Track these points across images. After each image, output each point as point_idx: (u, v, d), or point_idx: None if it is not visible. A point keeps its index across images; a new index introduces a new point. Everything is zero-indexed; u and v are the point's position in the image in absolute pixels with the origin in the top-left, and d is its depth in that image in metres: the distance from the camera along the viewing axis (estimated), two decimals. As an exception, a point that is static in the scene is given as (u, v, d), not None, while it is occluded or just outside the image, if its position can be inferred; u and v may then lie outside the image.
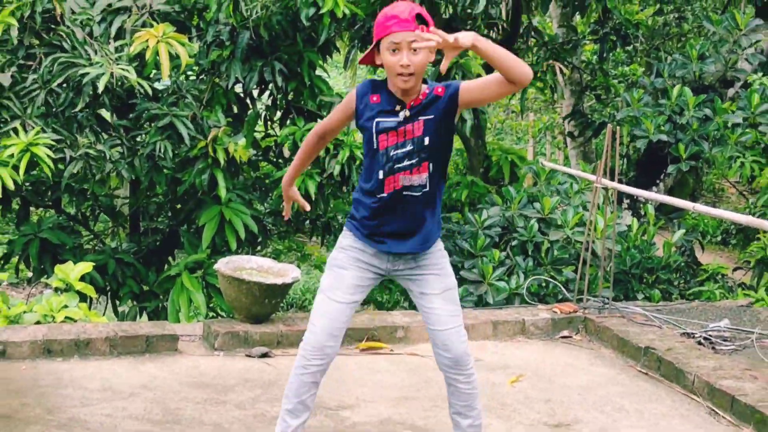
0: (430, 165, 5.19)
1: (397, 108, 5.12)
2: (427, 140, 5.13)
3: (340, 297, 5.34)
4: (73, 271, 8.94)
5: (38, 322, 8.10)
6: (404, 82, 5.02)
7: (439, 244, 5.45)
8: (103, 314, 12.68)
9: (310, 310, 9.93)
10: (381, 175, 5.18)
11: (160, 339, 7.80)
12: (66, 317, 8.24)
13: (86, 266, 9.17)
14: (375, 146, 5.16)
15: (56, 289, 8.87)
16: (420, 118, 5.12)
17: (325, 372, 5.44)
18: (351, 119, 5.32)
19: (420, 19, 4.97)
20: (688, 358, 7.81)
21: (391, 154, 5.15)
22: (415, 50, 4.95)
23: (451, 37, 4.83)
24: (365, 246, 5.33)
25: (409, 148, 5.13)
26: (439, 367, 5.52)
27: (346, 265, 5.35)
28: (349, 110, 5.27)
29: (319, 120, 12.36)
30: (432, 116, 5.12)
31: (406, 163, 5.15)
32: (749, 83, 14.77)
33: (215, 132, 11.29)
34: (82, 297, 9.38)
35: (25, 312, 8.36)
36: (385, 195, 5.20)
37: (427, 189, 5.22)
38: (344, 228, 5.44)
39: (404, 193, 5.20)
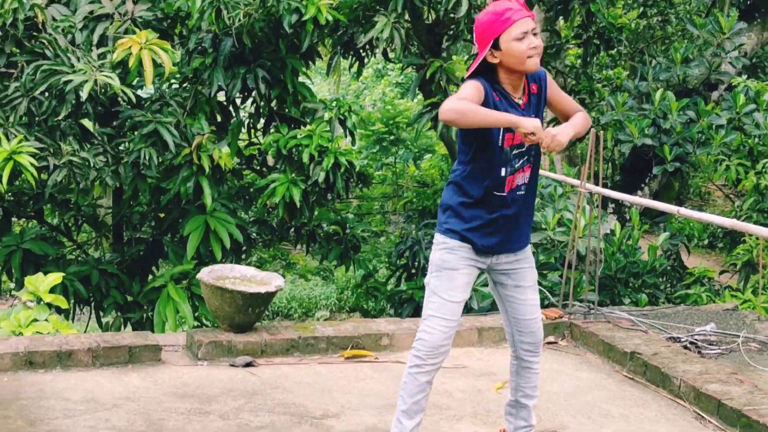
0: (534, 163, 5.53)
1: (519, 103, 5.41)
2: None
3: (455, 297, 5.55)
4: (43, 282, 8.86)
5: (19, 335, 8.04)
6: (536, 64, 5.34)
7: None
8: (87, 326, 12.67)
9: (294, 319, 9.90)
10: (503, 173, 5.40)
11: (143, 349, 7.76)
12: (36, 332, 8.17)
13: (56, 277, 9.08)
14: (500, 144, 5.34)
15: (25, 303, 8.79)
16: (532, 114, 5.41)
17: (438, 370, 5.69)
18: None
19: (529, 4, 5.32)
20: (674, 363, 7.81)
21: (514, 152, 5.40)
22: (535, 34, 5.30)
23: (550, 139, 5.20)
24: (476, 247, 5.55)
25: (525, 147, 5.41)
26: (517, 353, 5.89)
27: (458, 266, 5.55)
28: (481, 97, 5.30)
29: (303, 126, 12.34)
30: (536, 114, 5.48)
31: (522, 161, 5.45)
32: (733, 86, 14.79)
33: (199, 139, 11.26)
34: (60, 309, 9.31)
35: (-7, 328, 8.30)
36: (505, 194, 5.44)
37: (531, 186, 5.55)
38: (443, 235, 5.58)
39: (518, 192, 5.49)
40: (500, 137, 5.32)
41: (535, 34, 5.28)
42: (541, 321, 5.82)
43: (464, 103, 5.14)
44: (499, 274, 5.68)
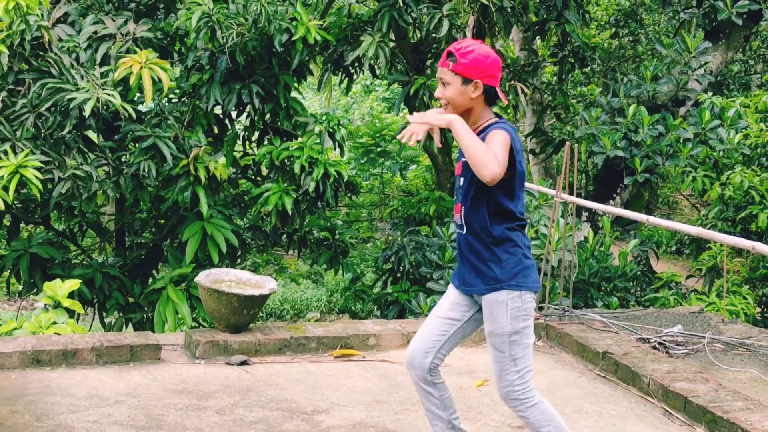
0: (466, 205, 5.21)
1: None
2: (462, 181, 5.24)
3: (432, 313, 5.51)
4: (61, 288, 8.89)
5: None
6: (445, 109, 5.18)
7: None
8: (91, 325, 12.66)
9: (286, 320, 9.89)
10: (455, 207, 5.32)
11: (144, 348, 7.77)
12: (54, 333, 8.19)
13: (74, 283, 9.10)
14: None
15: (45, 306, 8.82)
16: (460, 158, 5.27)
17: (434, 385, 5.48)
18: None
19: (449, 56, 5.13)
20: (643, 362, 7.83)
21: (457, 185, 5.32)
22: (444, 84, 5.13)
23: (426, 123, 5.00)
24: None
25: (461, 183, 5.25)
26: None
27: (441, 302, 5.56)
28: None
29: (294, 139, 12.35)
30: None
31: (457, 197, 5.34)
32: (700, 102, 14.85)
33: (196, 151, 11.26)
34: (71, 313, 9.32)
35: (15, 329, 8.32)
36: (456, 227, 5.37)
37: (471, 229, 5.22)
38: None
39: (458, 229, 5.34)
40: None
41: (444, 85, 5.14)
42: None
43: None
44: (477, 316, 5.45)
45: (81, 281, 9.88)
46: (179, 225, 12.00)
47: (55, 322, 8.39)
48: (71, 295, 9.03)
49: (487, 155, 4.79)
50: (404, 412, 6.92)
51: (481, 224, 5.13)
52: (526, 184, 12.41)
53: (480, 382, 7.61)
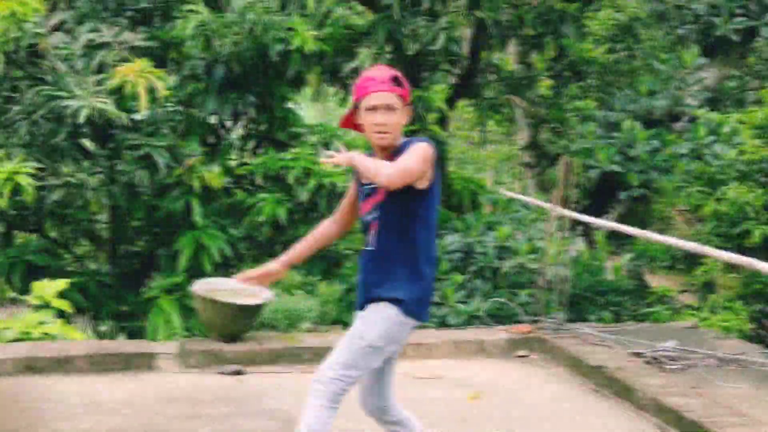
0: (379, 225, 5.09)
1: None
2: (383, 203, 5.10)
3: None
4: (49, 288, 8.89)
5: (18, 339, 8.06)
6: (380, 139, 4.99)
7: None
8: (84, 333, 12.63)
9: (281, 330, 9.86)
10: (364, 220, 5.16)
11: (138, 357, 7.78)
12: (44, 333, 8.20)
13: (61, 283, 9.11)
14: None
15: (34, 307, 8.83)
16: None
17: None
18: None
19: (395, 81, 4.98)
20: (637, 377, 7.85)
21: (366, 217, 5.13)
22: (389, 110, 4.93)
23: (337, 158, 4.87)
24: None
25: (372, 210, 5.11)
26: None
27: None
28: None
29: (289, 149, 12.37)
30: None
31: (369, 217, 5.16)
32: (695, 117, 14.89)
33: (191, 161, 11.28)
34: (62, 314, 9.33)
35: (3, 329, 8.32)
36: (366, 249, 5.16)
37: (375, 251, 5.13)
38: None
39: (366, 247, 5.18)
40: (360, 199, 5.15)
41: (389, 110, 4.94)
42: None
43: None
44: None
45: (69, 281, 9.86)
46: (173, 234, 12.01)
47: (42, 322, 8.39)
48: (65, 298, 9.03)
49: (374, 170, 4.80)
50: (398, 423, 6.93)
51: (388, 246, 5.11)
52: (523, 197, 12.45)
53: (473, 394, 7.62)
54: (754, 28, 15.73)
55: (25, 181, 10.11)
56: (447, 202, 15.69)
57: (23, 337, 8.16)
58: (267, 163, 11.92)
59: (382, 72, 5.03)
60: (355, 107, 5.04)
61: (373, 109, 4.94)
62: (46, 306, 8.81)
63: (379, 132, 4.97)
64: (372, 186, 5.05)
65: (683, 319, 11.78)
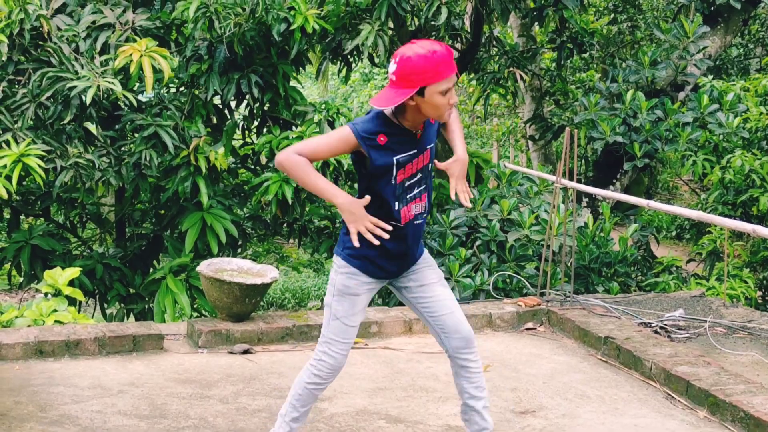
0: (428, 189, 5.29)
1: (414, 134, 5.12)
2: (431, 167, 5.23)
3: (355, 321, 5.37)
4: (61, 276, 8.90)
5: (29, 326, 8.06)
6: (449, 116, 5.15)
7: None
8: (92, 316, 12.69)
9: (288, 309, 9.96)
10: (397, 207, 5.15)
11: (147, 338, 7.78)
12: (56, 321, 8.21)
13: (74, 272, 9.12)
14: (393, 181, 5.10)
15: (46, 294, 8.84)
16: (426, 145, 5.18)
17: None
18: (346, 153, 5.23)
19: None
20: (645, 347, 7.85)
21: (407, 185, 5.15)
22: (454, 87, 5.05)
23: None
24: (376, 273, 5.33)
25: (419, 176, 5.19)
26: (450, 353, 5.50)
27: (359, 291, 5.32)
28: (348, 148, 5.11)
29: (294, 128, 12.34)
30: (429, 141, 5.20)
31: (418, 190, 5.21)
32: (699, 86, 14.84)
33: (196, 141, 11.26)
34: (72, 301, 9.34)
35: (16, 317, 8.33)
36: (402, 225, 5.18)
37: (427, 209, 5.33)
38: (342, 259, 5.30)
39: (415, 221, 5.24)
40: (393, 173, 5.09)
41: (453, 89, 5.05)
42: (463, 315, 5.48)
43: (301, 160, 4.99)
44: (400, 281, 5.44)
45: (81, 269, 9.90)
46: (179, 215, 12.01)
47: (55, 310, 8.41)
48: (72, 284, 9.04)
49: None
50: (407, 399, 6.94)
51: (431, 199, 5.36)
52: (526, 170, 12.42)
53: (483, 367, 7.61)
54: (756, -5, 15.68)
55: (34, 163, 10.10)
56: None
57: (35, 325, 8.16)
58: (272, 142, 11.89)
59: (446, 51, 5.00)
60: (419, 90, 4.95)
61: (447, 91, 4.97)
62: (57, 293, 8.81)
63: (450, 111, 5.08)
64: (410, 153, 5.11)
65: (690, 289, 11.78)
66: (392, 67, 4.97)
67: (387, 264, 5.29)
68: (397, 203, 5.14)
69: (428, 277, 5.43)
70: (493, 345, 8.39)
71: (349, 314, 5.34)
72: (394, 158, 5.06)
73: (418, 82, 4.91)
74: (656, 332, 8.59)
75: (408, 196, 5.17)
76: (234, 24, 11.46)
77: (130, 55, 10.59)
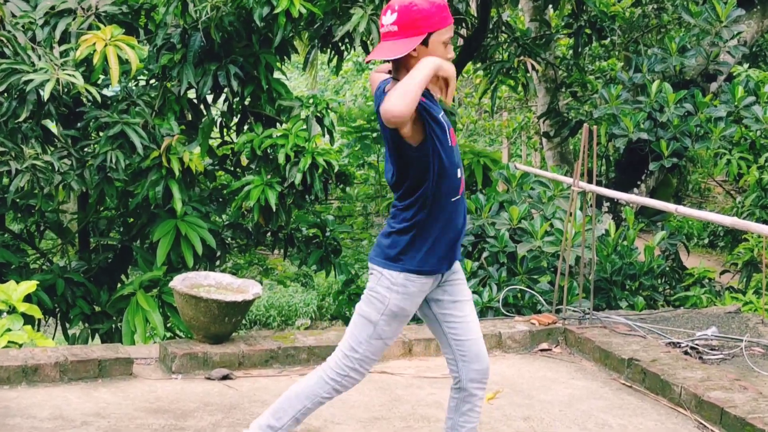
0: None
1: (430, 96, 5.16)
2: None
3: (394, 340, 5.44)
4: (15, 291, 8.89)
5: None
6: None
7: None
8: (53, 338, 12.66)
9: (273, 328, 9.95)
10: (459, 173, 5.20)
11: (114, 363, 7.78)
12: (10, 342, 8.20)
13: (30, 285, 9.11)
14: (449, 143, 5.13)
15: (-1, 312, 8.83)
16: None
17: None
18: None
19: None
20: (674, 369, 7.86)
21: (457, 151, 5.23)
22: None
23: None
24: (433, 275, 5.31)
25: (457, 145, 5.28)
26: (463, 384, 5.52)
27: (411, 311, 5.34)
28: None
29: (278, 125, 12.36)
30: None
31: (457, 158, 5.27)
32: (733, 76, 14.85)
33: (168, 141, 11.27)
34: (28, 320, 9.33)
35: (-36, 337, 8.32)
36: (459, 197, 5.24)
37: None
38: (398, 274, 5.24)
39: (462, 198, 5.30)
40: (448, 136, 5.11)
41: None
42: (485, 345, 5.51)
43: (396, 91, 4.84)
44: (434, 291, 5.42)
45: (38, 282, 9.88)
46: (150, 224, 12.01)
47: (9, 330, 8.40)
48: (28, 300, 9.03)
49: None
50: (406, 429, 6.94)
51: None
52: (540, 171, 12.43)
53: (491, 395, 7.63)
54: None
55: (-14, 166, 10.12)
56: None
57: (-14, 347, 8.16)
58: (253, 142, 11.90)
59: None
60: (425, 39, 5.02)
61: (449, 41, 5.06)
62: (12, 311, 8.80)
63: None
64: (442, 114, 5.16)
65: (724, 304, 11.79)
66: (390, 18, 5.04)
67: (446, 250, 5.26)
68: (459, 170, 5.20)
69: (463, 292, 5.46)
70: (504, 368, 8.39)
71: (396, 334, 5.39)
72: (442, 116, 5.13)
73: (426, 27, 5.00)
74: (686, 353, 8.60)
75: (458, 161, 5.23)
76: (211, 8, 11.46)
77: (94, 44, 10.58)
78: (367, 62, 5.32)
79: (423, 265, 5.22)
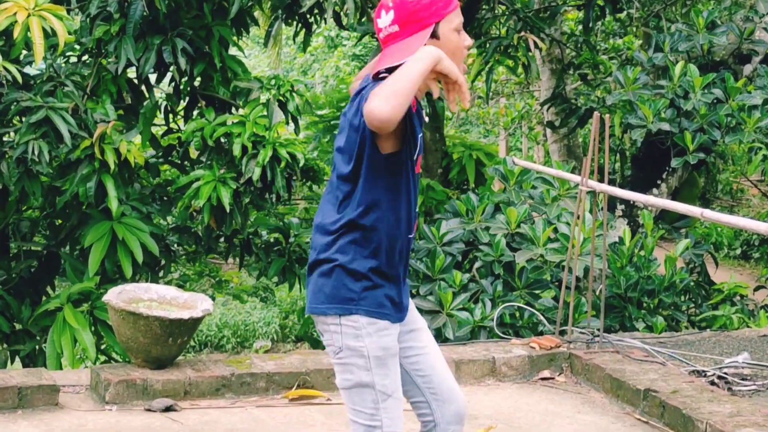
0: None
1: (424, 113, 5.07)
2: None
3: (401, 390, 5.17)
4: None
5: None
6: (465, 68, 5.03)
7: None
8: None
9: (227, 351, 9.92)
10: (417, 208, 5.07)
11: (36, 391, 7.76)
12: None
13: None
14: (411, 170, 4.96)
15: None
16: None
17: None
18: None
19: None
20: (698, 403, 7.87)
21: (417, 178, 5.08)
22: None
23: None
24: (397, 313, 5.15)
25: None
26: (441, 427, 5.30)
27: (396, 346, 5.12)
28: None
29: (234, 110, 12.35)
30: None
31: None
32: (770, 58, 14.92)
33: (103, 128, 11.25)
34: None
35: None
36: (412, 236, 5.11)
37: None
38: (363, 316, 5.02)
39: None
40: (414, 161, 4.94)
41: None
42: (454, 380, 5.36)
43: (384, 91, 4.63)
44: None
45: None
46: (81, 226, 12.00)
47: None
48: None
49: None
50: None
51: None
52: (543, 167, 12.45)
53: (484, 430, 7.64)
54: None
55: None
56: (444, 177, 15.70)
57: None
58: (204, 130, 11.89)
59: None
60: (434, 31, 4.92)
61: (460, 27, 4.97)
62: None
63: (465, 56, 5.04)
64: (421, 135, 5.04)
65: (759, 326, 11.83)
66: (387, 18, 4.92)
67: (396, 294, 5.09)
68: (416, 203, 5.06)
69: (416, 320, 5.31)
70: (498, 400, 8.41)
71: (399, 382, 5.13)
72: (419, 136, 4.99)
73: (431, 18, 4.90)
74: (713, 383, 8.62)
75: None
76: (155, -30, 11.47)
77: (14, 14, 10.55)
78: (375, 77, 4.92)
79: (384, 300, 5.04)
